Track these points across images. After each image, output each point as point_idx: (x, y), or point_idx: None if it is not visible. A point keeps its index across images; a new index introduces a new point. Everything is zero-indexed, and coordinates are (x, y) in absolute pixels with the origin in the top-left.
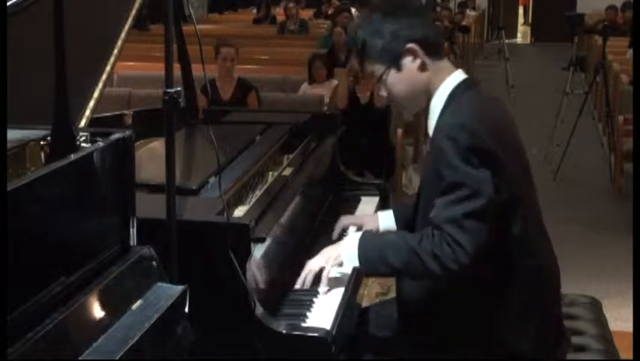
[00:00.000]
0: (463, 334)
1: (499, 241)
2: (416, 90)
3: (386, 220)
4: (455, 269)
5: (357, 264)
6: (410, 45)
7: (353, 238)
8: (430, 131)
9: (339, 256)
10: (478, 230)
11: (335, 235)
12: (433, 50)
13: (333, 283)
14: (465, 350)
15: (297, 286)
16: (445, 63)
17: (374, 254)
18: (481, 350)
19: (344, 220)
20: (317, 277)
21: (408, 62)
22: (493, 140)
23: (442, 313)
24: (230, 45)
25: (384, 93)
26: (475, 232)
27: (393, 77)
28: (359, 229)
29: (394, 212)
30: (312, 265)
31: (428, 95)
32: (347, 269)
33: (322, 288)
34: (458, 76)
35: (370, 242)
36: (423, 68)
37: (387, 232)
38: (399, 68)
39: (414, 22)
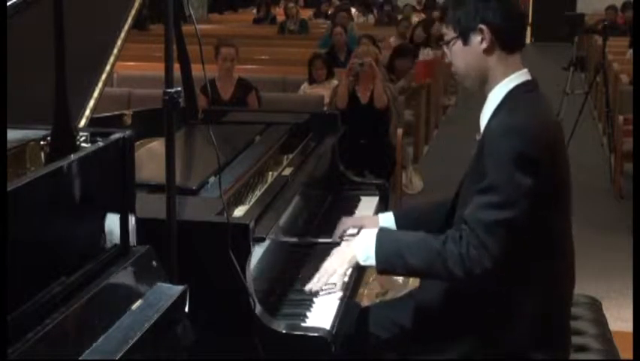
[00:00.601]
0: (471, 334)
1: (532, 246)
2: (473, 70)
3: (386, 222)
4: (478, 273)
5: (372, 262)
6: (482, 26)
7: (369, 235)
8: (482, 123)
9: (354, 257)
10: (507, 239)
11: (336, 236)
12: (505, 40)
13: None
14: (469, 350)
15: (311, 287)
16: (515, 59)
17: (392, 253)
18: (486, 351)
19: (345, 221)
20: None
21: (476, 40)
22: (546, 148)
23: (461, 314)
24: (230, 45)
25: (448, 56)
26: (503, 241)
27: (457, 47)
28: (359, 230)
29: (394, 214)
30: (327, 268)
31: (484, 81)
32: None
33: (335, 289)
34: (523, 75)
35: (389, 240)
36: (488, 52)
37: (406, 232)
38: (465, 42)
39: (499, 6)
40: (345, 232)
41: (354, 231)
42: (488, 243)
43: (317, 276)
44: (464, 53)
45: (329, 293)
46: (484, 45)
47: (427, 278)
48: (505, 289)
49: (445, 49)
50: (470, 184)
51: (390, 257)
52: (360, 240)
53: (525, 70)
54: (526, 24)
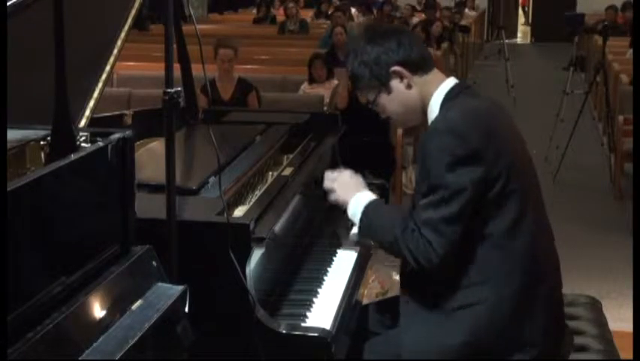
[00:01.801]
0: (457, 326)
1: (484, 238)
2: (410, 107)
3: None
4: (426, 266)
5: (356, 222)
6: (394, 68)
7: (364, 197)
8: None
9: (347, 204)
10: (451, 233)
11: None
12: (417, 66)
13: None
14: (468, 347)
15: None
16: (435, 74)
17: (370, 227)
18: (482, 349)
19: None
20: (317, 278)
21: (396, 83)
22: (480, 140)
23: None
24: (228, 46)
25: (379, 111)
26: (447, 236)
27: (385, 99)
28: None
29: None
30: (334, 187)
31: (424, 107)
32: (348, 268)
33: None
34: (448, 83)
35: (372, 214)
36: (410, 86)
37: (390, 208)
38: (389, 91)
39: (393, 45)
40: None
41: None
42: (432, 240)
43: (330, 180)
44: (393, 100)
45: (316, 291)
46: (405, 82)
47: (387, 251)
48: (479, 280)
49: (377, 109)
50: (418, 187)
51: (368, 230)
52: (355, 200)
53: (450, 78)
54: (418, 40)
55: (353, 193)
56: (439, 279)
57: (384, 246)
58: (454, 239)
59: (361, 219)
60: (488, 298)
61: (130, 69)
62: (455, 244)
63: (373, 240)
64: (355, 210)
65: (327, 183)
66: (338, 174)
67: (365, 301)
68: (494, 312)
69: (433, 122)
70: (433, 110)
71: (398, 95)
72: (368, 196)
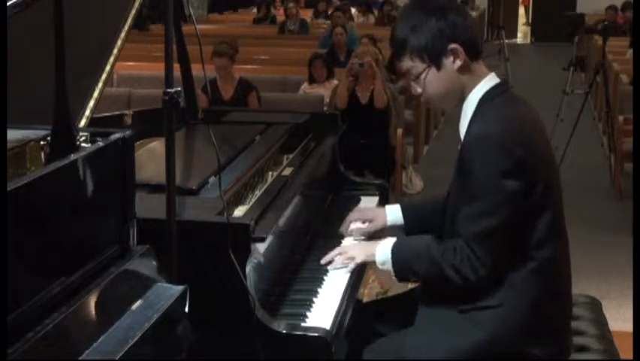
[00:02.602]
0: (469, 329)
1: (519, 244)
2: (452, 91)
3: (393, 214)
4: (474, 280)
5: (389, 268)
6: (453, 45)
7: (386, 245)
8: (461, 133)
9: (374, 255)
10: (497, 245)
11: (343, 228)
12: (473, 52)
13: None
14: (469, 346)
15: (322, 262)
16: (481, 66)
17: (404, 263)
18: (487, 349)
19: (352, 215)
20: (318, 278)
21: (449, 62)
22: (521, 148)
23: (457, 308)
24: (223, 54)
25: (419, 90)
26: (495, 249)
27: (432, 75)
28: (364, 222)
29: (403, 212)
30: (345, 250)
31: (462, 97)
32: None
33: (342, 271)
34: (491, 80)
35: (400, 248)
36: (463, 70)
37: (417, 239)
38: (439, 67)
39: (458, 21)
40: (351, 224)
41: (361, 225)
42: (480, 254)
43: (334, 252)
44: (440, 79)
45: (316, 291)
46: (458, 63)
47: (435, 283)
48: (499, 287)
49: (415, 83)
50: (458, 194)
51: (403, 267)
52: (381, 246)
53: (492, 74)
54: (475, 24)
55: (373, 246)
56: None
57: (424, 275)
58: (499, 250)
59: (394, 263)
60: (508, 301)
61: (130, 69)
62: (501, 255)
63: (413, 275)
64: (384, 257)
65: (342, 253)
66: (341, 247)
67: (365, 298)
68: (512, 316)
69: (474, 126)
70: (469, 106)
71: (446, 75)
72: (389, 240)
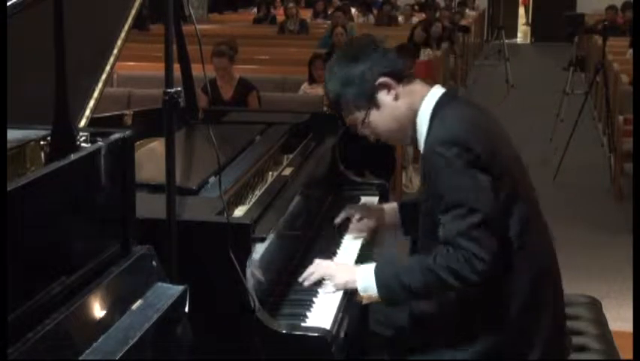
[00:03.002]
0: (464, 334)
1: (509, 236)
2: (401, 120)
3: (391, 213)
4: (476, 280)
5: (373, 293)
6: (381, 80)
7: (368, 269)
8: (421, 148)
9: (355, 283)
10: (488, 238)
11: (338, 220)
12: (402, 76)
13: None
14: (468, 347)
15: (299, 279)
16: (418, 83)
17: (391, 279)
18: (482, 351)
19: (349, 209)
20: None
21: (383, 96)
22: (482, 145)
23: (448, 314)
24: (222, 54)
25: (367, 133)
26: (486, 241)
27: (375, 116)
28: (360, 219)
29: (401, 210)
30: (322, 271)
31: (413, 118)
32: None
33: (324, 291)
34: (437, 91)
35: (385, 268)
36: (397, 97)
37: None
38: (378, 107)
39: (374, 58)
40: (349, 216)
41: (358, 223)
42: (475, 250)
43: (310, 270)
44: (384, 115)
45: (316, 291)
46: (393, 93)
47: (429, 296)
48: (491, 286)
49: (362, 129)
50: (432, 206)
51: (390, 283)
52: (361, 272)
53: (436, 86)
54: (395, 52)
55: (353, 269)
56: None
57: (416, 290)
58: (493, 244)
59: (378, 284)
60: (498, 297)
61: (130, 69)
62: (496, 248)
63: (401, 294)
64: (366, 281)
65: (317, 271)
66: (316, 263)
67: (365, 301)
68: (506, 308)
69: (431, 134)
70: (423, 120)
71: (387, 108)
72: (370, 265)
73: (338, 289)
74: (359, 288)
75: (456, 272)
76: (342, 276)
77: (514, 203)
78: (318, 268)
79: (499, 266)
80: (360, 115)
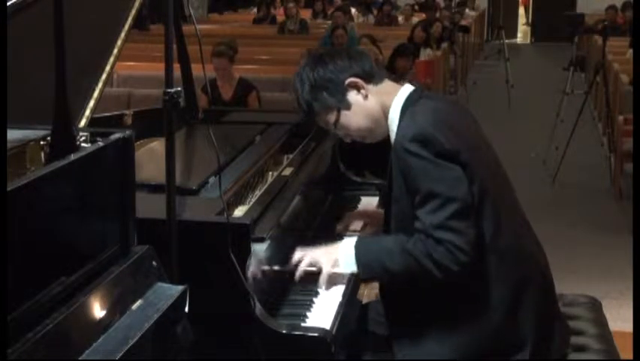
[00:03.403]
0: (454, 326)
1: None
2: (373, 118)
3: None
4: (457, 270)
5: (354, 269)
6: (349, 80)
7: (349, 243)
8: (392, 143)
9: (337, 261)
10: (466, 228)
11: (340, 228)
12: (370, 76)
13: (333, 281)
14: (467, 346)
15: (288, 267)
16: (389, 83)
17: (372, 259)
18: (476, 350)
19: (350, 215)
20: (318, 277)
21: (353, 96)
22: (450, 139)
23: (425, 311)
24: (222, 55)
25: (341, 134)
26: (465, 231)
27: (346, 117)
28: (365, 224)
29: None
30: (307, 257)
31: (385, 116)
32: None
33: (321, 288)
34: (406, 90)
35: (367, 247)
36: (366, 97)
37: (384, 236)
38: (348, 107)
39: (343, 60)
40: (349, 225)
41: (359, 225)
42: (455, 240)
43: (296, 256)
44: (355, 114)
45: (316, 292)
46: (363, 92)
47: (409, 282)
48: (473, 281)
49: (336, 130)
50: (405, 203)
51: (371, 264)
52: (342, 248)
53: (406, 84)
54: (365, 54)
55: (335, 248)
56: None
57: (396, 273)
58: (471, 233)
59: (358, 261)
60: (480, 300)
61: (130, 69)
62: (474, 238)
63: (380, 274)
64: (347, 257)
65: (304, 258)
66: (301, 251)
67: (365, 301)
68: (486, 315)
69: (399, 131)
70: (393, 118)
71: (358, 107)
72: (351, 240)
73: (327, 271)
74: (341, 267)
75: (437, 262)
76: (326, 258)
77: (485, 201)
78: (305, 257)
79: (477, 255)
80: (331, 117)
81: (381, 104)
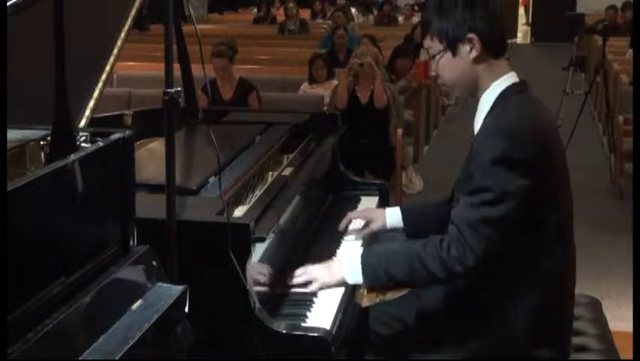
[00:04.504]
0: (471, 332)
1: (528, 245)
2: (464, 80)
3: (393, 216)
4: (459, 271)
5: (361, 280)
6: (471, 35)
7: (354, 256)
8: (476, 128)
9: (343, 279)
10: (490, 237)
11: (342, 226)
12: (493, 46)
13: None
14: (470, 348)
15: (290, 283)
16: (502, 63)
17: (377, 267)
18: (487, 350)
19: (351, 214)
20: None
21: (465, 50)
22: (534, 147)
23: (459, 310)
24: (222, 55)
25: (433, 72)
26: (487, 239)
27: (446, 59)
28: (367, 224)
29: (403, 214)
30: (311, 275)
31: (475, 88)
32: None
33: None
34: (510, 78)
35: (373, 256)
36: (477, 61)
37: (390, 243)
38: (454, 54)
39: (484, 14)
40: (349, 225)
41: (360, 224)
42: (471, 241)
43: (298, 273)
44: (454, 64)
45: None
46: (474, 54)
47: (413, 285)
48: (502, 289)
49: (431, 63)
50: (461, 186)
51: (376, 271)
52: (347, 262)
53: (513, 72)
54: (505, 28)
55: (337, 263)
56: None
57: (398, 278)
58: (492, 243)
59: (364, 266)
60: (506, 310)
61: (130, 69)
62: (493, 250)
63: (385, 279)
64: (353, 268)
65: (307, 277)
66: (303, 269)
67: (365, 301)
68: (509, 325)
69: (489, 120)
70: (487, 101)
71: (460, 62)
72: (356, 251)
73: (320, 286)
74: (349, 282)
75: (444, 262)
76: (324, 274)
77: (553, 212)
78: (307, 275)
79: (488, 267)
80: (435, 48)
81: (481, 77)
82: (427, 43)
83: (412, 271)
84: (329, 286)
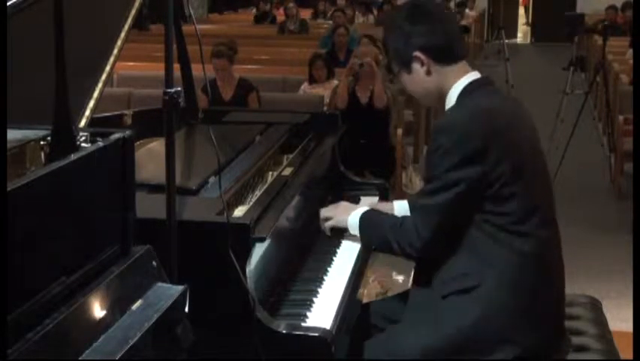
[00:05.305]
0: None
1: (492, 226)
2: (427, 91)
3: (401, 209)
4: (410, 252)
5: (356, 232)
6: (417, 53)
7: (360, 212)
8: None
9: (346, 222)
10: (440, 223)
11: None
12: (442, 57)
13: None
14: (467, 345)
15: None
16: (459, 66)
17: (367, 231)
18: (473, 333)
19: (363, 202)
20: (317, 278)
21: (417, 66)
22: (483, 140)
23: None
24: (222, 55)
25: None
26: (433, 223)
27: (405, 77)
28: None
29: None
30: (328, 213)
31: (439, 96)
32: (349, 268)
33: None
34: (468, 78)
35: (368, 219)
36: (431, 73)
37: (386, 215)
38: (409, 72)
39: (427, 29)
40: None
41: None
42: (419, 225)
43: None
44: (413, 80)
45: (316, 292)
46: (425, 68)
47: (387, 252)
48: (482, 267)
49: (398, 79)
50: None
51: (368, 234)
52: (353, 214)
53: (473, 72)
54: (458, 31)
55: (350, 211)
56: (442, 269)
57: (380, 247)
58: (438, 228)
59: (360, 227)
60: (487, 281)
61: (130, 69)
62: (440, 234)
63: (371, 244)
64: (353, 221)
65: (325, 213)
66: (333, 205)
67: (365, 300)
68: (493, 295)
69: (441, 118)
70: (451, 101)
71: (416, 77)
72: (364, 208)
73: (332, 225)
74: (348, 223)
75: (399, 242)
76: (337, 213)
77: (507, 202)
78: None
79: (439, 249)
80: (395, 68)
81: (441, 84)
82: (392, 64)
83: (384, 243)
84: (339, 224)
